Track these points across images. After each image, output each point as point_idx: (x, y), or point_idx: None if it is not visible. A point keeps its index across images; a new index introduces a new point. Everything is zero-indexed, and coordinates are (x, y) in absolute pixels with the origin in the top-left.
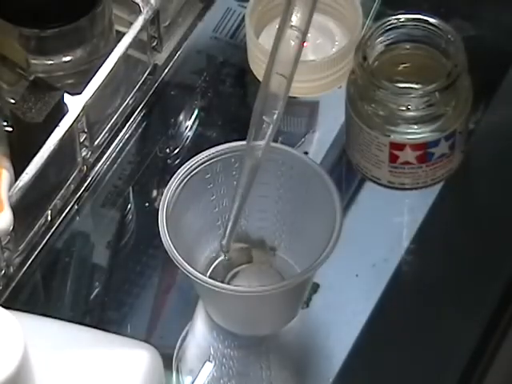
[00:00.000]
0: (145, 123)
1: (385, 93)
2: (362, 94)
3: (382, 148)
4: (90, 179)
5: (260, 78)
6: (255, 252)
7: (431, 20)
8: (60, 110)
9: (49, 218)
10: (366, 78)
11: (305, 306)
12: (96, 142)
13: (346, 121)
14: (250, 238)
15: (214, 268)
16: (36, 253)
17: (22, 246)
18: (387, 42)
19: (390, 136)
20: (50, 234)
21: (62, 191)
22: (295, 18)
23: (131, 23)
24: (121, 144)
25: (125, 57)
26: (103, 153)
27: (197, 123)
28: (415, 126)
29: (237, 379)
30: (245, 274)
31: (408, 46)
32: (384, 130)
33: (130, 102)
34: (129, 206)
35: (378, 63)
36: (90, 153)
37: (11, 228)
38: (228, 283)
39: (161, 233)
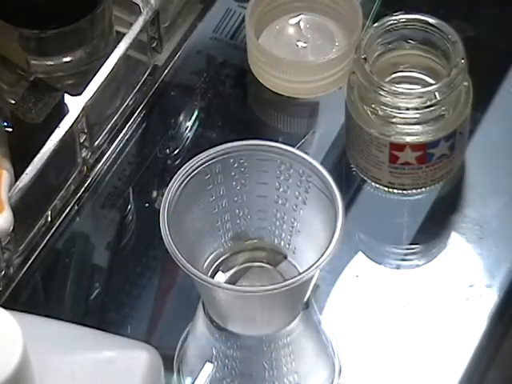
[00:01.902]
0: (145, 124)
1: (385, 94)
2: (361, 94)
3: (382, 149)
4: (90, 180)
5: (260, 79)
6: (255, 252)
7: (431, 20)
8: (60, 111)
9: (49, 218)
10: (366, 79)
11: (305, 306)
12: (96, 143)
13: (345, 121)
14: (249, 238)
15: (214, 268)
16: (36, 253)
17: (22, 246)
18: (387, 43)
19: (389, 137)
20: (50, 234)
21: (62, 192)
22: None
23: (131, 24)
24: (121, 145)
25: (125, 57)
26: (103, 153)
27: (197, 124)
28: (415, 127)
29: (239, 379)
30: (246, 275)
31: (408, 47)
32: (384, 130)
33: (130, 103)
34: (129, 207)
35: (378, 64)
36: (90, 153)
37: (11, 228)
38: (229, 283)
39: (163, 234)
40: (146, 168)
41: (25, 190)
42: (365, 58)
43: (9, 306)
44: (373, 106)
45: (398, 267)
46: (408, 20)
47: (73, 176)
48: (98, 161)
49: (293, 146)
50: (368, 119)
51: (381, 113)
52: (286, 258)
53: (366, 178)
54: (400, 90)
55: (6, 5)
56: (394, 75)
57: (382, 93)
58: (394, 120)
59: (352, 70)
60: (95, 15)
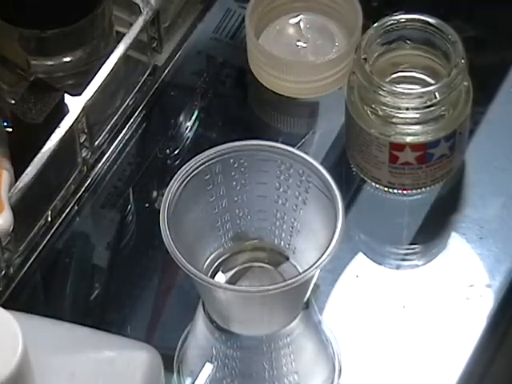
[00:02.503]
0: (145, 124)
1: (385, 94)
2: (361, 94)
3: (382, 149)
4: (90, 180)
5: (260, 79)
6: (256, 252)
7: (431, 20)
8: (60, 111)
9: (49, 218)
10: (366, 79)
11: (305, 306)
12: (96, 143)
13: (345, 122)
14: (249, 238)
15: (214, 268)
16: (36, 253)
17: (22, 246)
18: (387, 43)
19: (389, 137)
20: (50, 234)
21: (62, 192)
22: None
23: (131, 24)
24: (121, 145)
25: (125, 58)
26: (103, 153)
27: (197, 124)
28: (415, 127)
29: (240, 379)
30: (246, 275)
31: (408, 47)
32: (384, 130)
33: (130, 103)
34: (129, 207)
35: (378, 64)
36: (90, 153)
37: (11, 228)
38: (229, 283)
39: (163, 234)
40: (146, 168)
41: (25, 190)
42: (365, 58)
43: (9, 306)
44: (373, 106)
45: (397, 267)
46: (408, 20)
47: (73, 176)
48: (98, 161)
49: (293, 146)
50: (368, 119)
51: (381, 113)
52: (287, 259)
53: (365, 178)
54: (400, 90)
55: (6, 5)
56: (394, 75)
57: (382, 93)
58: (393, 120)
59: (352, 70)
60: (95, 15)
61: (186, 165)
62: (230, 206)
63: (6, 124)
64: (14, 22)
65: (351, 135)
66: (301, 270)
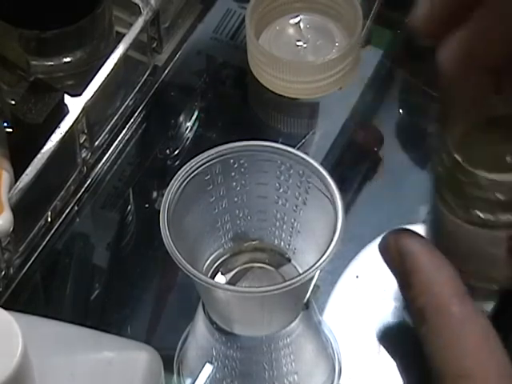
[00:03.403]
0: (145, 124)
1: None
2: (455, 191)
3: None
4: (89, 180)
5: (260, 79)
6: (256, 253)
7: None
8: (60, 111)
9: (49, 219)
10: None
11: (305, 307)
12: (96, 143)
13: (442, 229)
14: (249, 239)
15: (214, 269)
16: (36, 254)
17: (22, 247)
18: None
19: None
20: (49, 235)
21: (62, 192)
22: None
23: (131, 24)
24: (121, 145)
25: (125, 58)
26: (103, 154)
27: (197, 124)
28: None
29: (239, 380)
30: (246, 275)
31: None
32: (495, 225)
33: (130, 103)
34: (129, 208)
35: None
36: (90, 154)
37: (11, 229)
38: (229, 284)
39: (163, 235)
40: (146, 168)
41: (25, 190)
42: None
43: (9, 306)
44: (476, 210)
45: None
46: None
47: (73, 176)
48: (98, 161)
49: (293, 147)
50: (479, 222)
51: (484, 215)
52: (288, 260)
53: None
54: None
55: (6, 5)
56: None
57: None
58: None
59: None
60: (95, 15)
61: (186, 165)
62: (230, 207)
63: (6, 124)
64: (13, 22)
65: (446, 233)
66: (301, 271)
